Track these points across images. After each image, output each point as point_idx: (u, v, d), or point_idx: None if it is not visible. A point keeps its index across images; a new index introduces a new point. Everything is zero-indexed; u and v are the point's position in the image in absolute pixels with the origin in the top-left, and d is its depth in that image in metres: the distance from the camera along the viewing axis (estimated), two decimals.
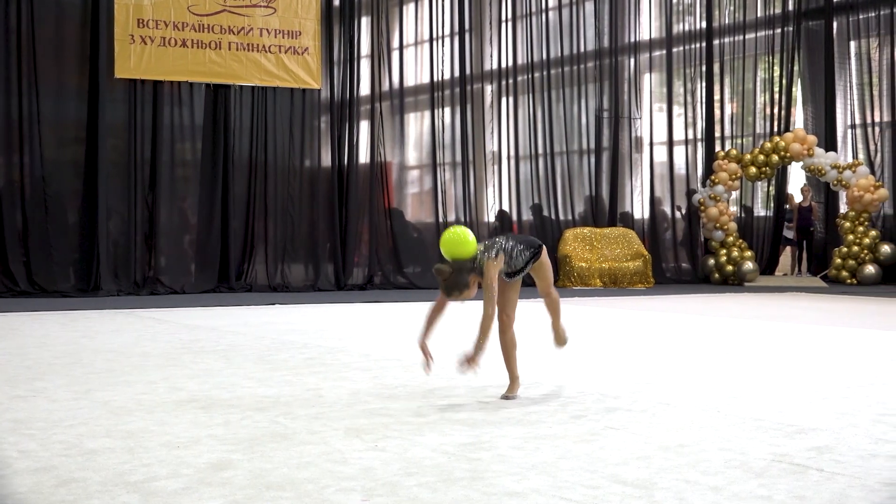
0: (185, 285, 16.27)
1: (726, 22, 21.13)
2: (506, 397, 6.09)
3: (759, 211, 21.36)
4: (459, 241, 5.86)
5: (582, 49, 20.34)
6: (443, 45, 19.00)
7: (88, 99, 15.87)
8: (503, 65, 19.63)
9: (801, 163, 19.75)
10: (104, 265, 15.66)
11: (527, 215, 19.58)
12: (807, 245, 20.50)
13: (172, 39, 16.33)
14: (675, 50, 20.96)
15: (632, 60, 20.89)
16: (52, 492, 3.91)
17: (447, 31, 19.08)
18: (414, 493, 3.88)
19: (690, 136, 20.99)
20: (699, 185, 20.70)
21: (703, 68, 20.89)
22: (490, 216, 19.36)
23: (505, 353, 6.17)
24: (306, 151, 17.66)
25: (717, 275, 19.86)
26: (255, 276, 16.91)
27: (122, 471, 4.21)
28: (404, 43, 18.97)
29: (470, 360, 5.79)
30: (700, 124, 20.98)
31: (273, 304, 14.28)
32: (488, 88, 19.86)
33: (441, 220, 18.48)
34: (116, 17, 15.97)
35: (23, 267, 15.33)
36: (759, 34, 21.10)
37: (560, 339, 6.58)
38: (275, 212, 17.17)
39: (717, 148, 20.68)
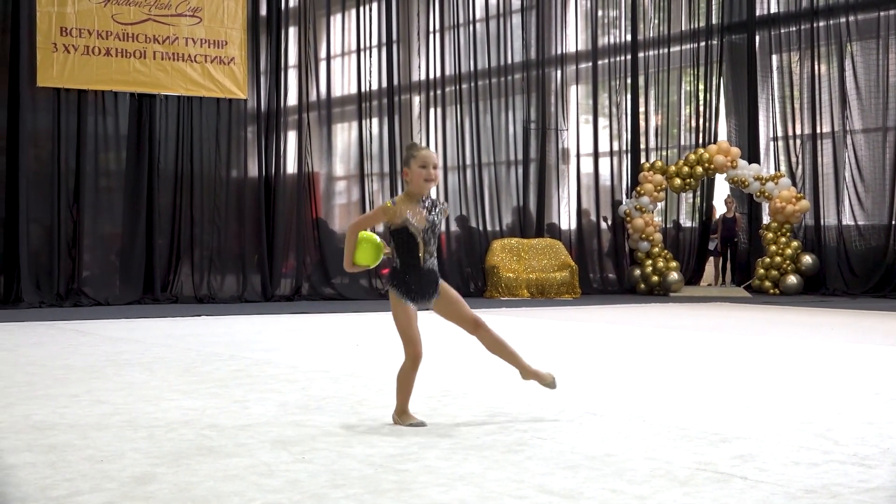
0: (109, 297, 16.06)
1: (651, 35, 21.36)
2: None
3: (685, 222, 21.60)
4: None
5: (509, 61, 20.45)
6: (370, 56, 18.99)
7: (9, 107, 15.63)
8: (431, 76, 19.66)
9: (724, 174, 20.01)
10: (25, 277, 15.41)
11: (454, 226, 19.61)
12: (731, 256, 20.77)
13: (96, 48, 16.14)
14: (600, 62, 21.14)
15: (558, 72, 21.04)
16: None
17: (374, 41, 19.08)
18: None
19: (616, 147, 21.19)
20: (625, 196, 20.89)
21: (629, 81, 21.11)
22: None
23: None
24: (233, 162, 17.54)
25: (642, 285, 20.04)
26: (180, 288, 16.75)
27: (43, 486, 4.14)
28: (332, 53, 18.95)
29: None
30: (625, 136, 21.18)
31: (199, 315, 14.15)
32: (416, 99, 19.88)
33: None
34: (39, 25, 15.75)
35: None
36: (683, 47, 21.36)
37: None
38: (201, 222, 17.02)
39: (643, 160, 20.89)
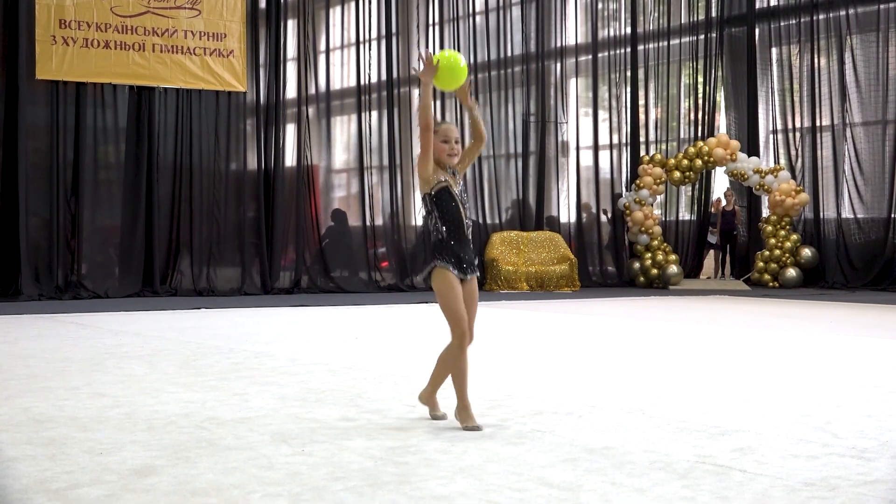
0: (108, 289, 16.06)
1: (651, 28, 21.34)
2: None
3: (684, 215, 21.59)
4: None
5: (509, 53, 20.42)
6: (369, 49, 18.95)
7: (7, 100, 15.60)
8: None
9: (724, 167, 20.00)
10: (25, 269, 15.40)
11: None
12: (730, 249, 20.77)
13: (95, 41, 16.12)
14: (600, 55, 21.13)
15: (558, 65, 21.02)
16: None
17: (374, 34, 19.04)
18: (341, 497, 3.87)
19: (616, 140, 21.18)
20: (624, 189, 20.88)
21: (629, 73, 21.09)
22: (418, 220, 19.36)
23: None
24: (232, 154, 17.53)
25: (642, 278, 20.04)
26: (180, 281, 16.74)
27: (43, 478, 4.14)
28: (331, 46, 18.91)
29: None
30: (625, 129, 21.17)
31: (199, 308, 14.15)
32: (415, 92, 19.85)
33: (369, 223, 18.44)
34: (37, 17, 15.72)
35: None
36: (682, 40, 21.34)
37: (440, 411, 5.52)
38: (200, 215, 17.01)
39: (642, 153, 20.88)
